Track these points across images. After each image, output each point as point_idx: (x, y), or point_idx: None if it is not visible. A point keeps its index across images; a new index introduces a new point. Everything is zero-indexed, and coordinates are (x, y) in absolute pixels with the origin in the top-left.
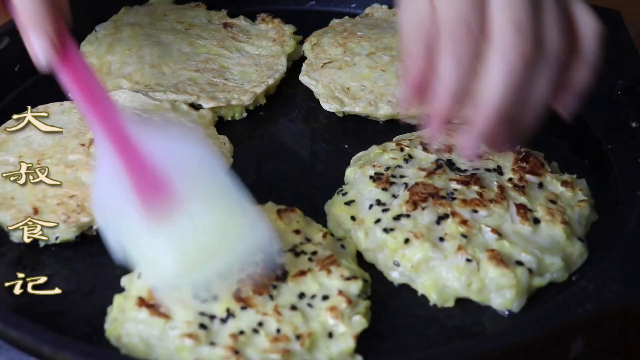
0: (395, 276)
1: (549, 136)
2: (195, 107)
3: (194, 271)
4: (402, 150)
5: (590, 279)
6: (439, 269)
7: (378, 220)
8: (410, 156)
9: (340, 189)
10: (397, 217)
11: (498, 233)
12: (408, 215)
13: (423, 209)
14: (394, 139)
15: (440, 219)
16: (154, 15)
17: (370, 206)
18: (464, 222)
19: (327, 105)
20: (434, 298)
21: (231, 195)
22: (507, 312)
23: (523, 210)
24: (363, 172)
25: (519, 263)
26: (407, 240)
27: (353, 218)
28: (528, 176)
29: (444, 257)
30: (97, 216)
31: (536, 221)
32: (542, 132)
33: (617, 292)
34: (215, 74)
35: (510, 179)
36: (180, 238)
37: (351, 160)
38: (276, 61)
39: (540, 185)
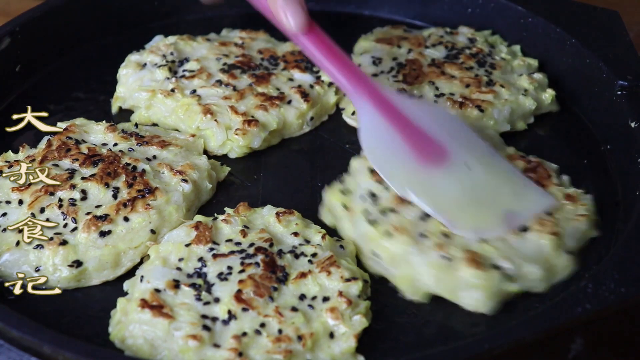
0: (373, 266)
1: (549, 137)
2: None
3: (467, 214)
4: None
5: (589, 279)
6: (414, 264)
7: (366, 212)
8: None
9: (341, 177)
10: (385, 211)
11: None
12: (395, 210)
13: (413, 204)
14: None
15: (427, 215)
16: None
17: (363, 197)
18: None
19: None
20: (405, 291)
21: (502, 162)
22: (506, 312)
23: None
24: (366, 164)
25: (495, 267)
26: (388, 233)
27: (345, 207)
28: None
29: (420, 252)
30: (370, 158)
31: (524, 229)
32: (542, 133)
33: (616, 292)
34: None
35: None
36: (458, 182)
37: (361, 152)
38: None
39: None
